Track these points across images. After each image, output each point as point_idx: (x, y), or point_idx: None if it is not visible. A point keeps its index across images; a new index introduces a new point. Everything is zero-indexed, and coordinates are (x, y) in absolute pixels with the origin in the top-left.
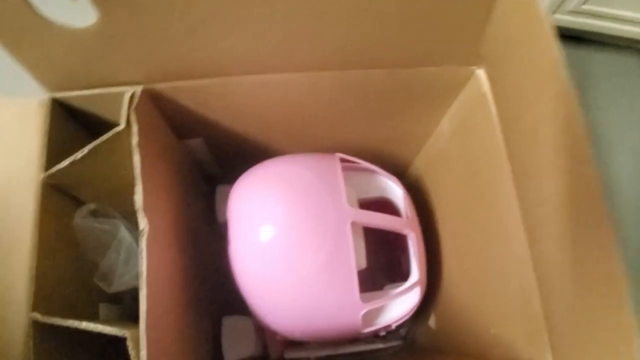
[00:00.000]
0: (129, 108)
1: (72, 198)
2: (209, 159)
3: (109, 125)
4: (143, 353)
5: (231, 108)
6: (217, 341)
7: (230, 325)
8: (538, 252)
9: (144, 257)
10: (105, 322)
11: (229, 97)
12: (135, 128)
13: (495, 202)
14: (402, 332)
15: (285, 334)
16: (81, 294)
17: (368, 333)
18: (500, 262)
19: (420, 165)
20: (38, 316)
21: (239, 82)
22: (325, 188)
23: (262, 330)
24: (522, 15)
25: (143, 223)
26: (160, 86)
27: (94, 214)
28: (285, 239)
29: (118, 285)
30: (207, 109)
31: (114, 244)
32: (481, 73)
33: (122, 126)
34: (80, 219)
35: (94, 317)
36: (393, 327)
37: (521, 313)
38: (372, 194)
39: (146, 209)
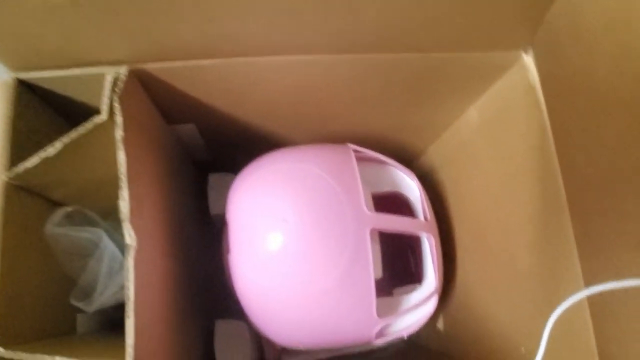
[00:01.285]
0: (111, 94)
1: (42, 198)
2: (201, 147)
3: (88, 111)
4: None
5: (233, 93)
6: (211, 343)
7: (224, 329)
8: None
9: (131, 278)
10: (84, 336)
11: (231, 81)
12: (120, 119)
13: (538, 208)
14: None
15: (288, 347)
16: (56, 307)
17: (379, 344)
18: (542, 274)
19: (435, 157)
20: (1, 350)
21: (244, 64)
22: (342, 189)
23: (257, 335)
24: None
25: (130, 237)
26: (150, 67)
27: (70, 218)
28: (297, 249)
29: (100, 303)
30: (203, 93)
31: (96, 254)
32: (529, 60)
33: (103, 117)
34: (53, 226)
35: (71, 331)
36: (405, 337)
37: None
38: (384, 188)
39: (134, 218)
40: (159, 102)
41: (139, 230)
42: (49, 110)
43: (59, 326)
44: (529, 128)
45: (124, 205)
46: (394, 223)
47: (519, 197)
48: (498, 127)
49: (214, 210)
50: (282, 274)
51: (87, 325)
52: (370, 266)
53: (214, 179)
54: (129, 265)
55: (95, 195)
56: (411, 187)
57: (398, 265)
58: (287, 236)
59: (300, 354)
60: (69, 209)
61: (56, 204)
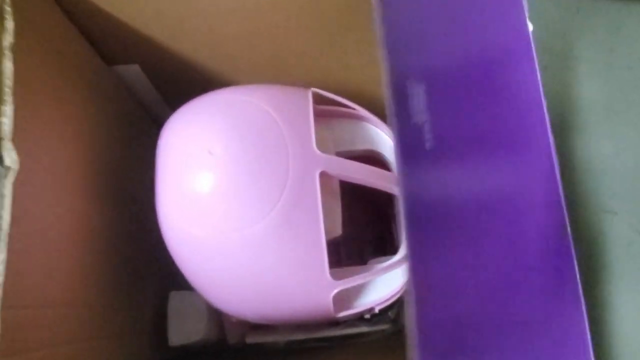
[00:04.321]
0: None
1: None
2: (153, 96)
3: None
4: None
5: (168, 18)
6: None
7: (177, 301)
8: None
9: (7, 206)
10: None
11: (164, 8)
12: (10, 24)
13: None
14: (391, 314)
15: (235, 315)
16: None
17: (344, 317)
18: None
19: None
20: None
21: None
22: (286, 125)
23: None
24: None
25: (10, 158)
26: None
27: None
28: (224, 188)
29: None
30: (134, 18)
31: None
32: None
33: None
34: None
35: None
36: (376, 310)
37: None
38: (358, 146)
39: (21, 139)
40: (91, 34)
41: (27, 153)
42: None
43: None
44: None
45: (5, 122)
46: (352, 169)
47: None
48: None
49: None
50: (208, 218)
51: None
52: (318, 215)
53: (174, 299)
54: (5, 191)
55: None
56: (389, 145)
57: (381, 238)
58: (212, 171)
59: (267, 334)
60: None
61: None
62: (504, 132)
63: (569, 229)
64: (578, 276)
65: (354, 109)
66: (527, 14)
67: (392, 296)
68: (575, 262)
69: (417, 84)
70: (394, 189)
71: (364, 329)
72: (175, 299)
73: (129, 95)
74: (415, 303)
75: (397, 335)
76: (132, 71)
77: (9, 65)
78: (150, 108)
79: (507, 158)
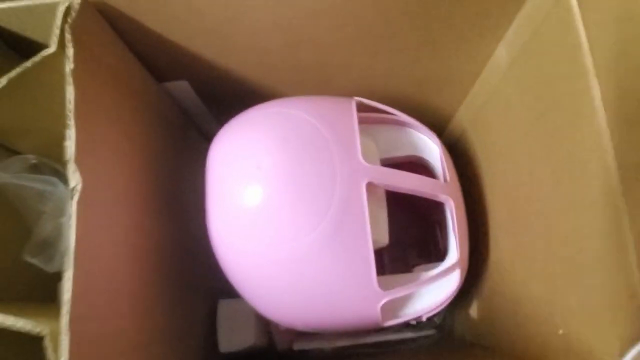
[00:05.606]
0: (63, 24)
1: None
2: (202, 110)
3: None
4: (64, 358)
5: (212, 32)
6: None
7: (227, 309)
8: None
9: (74, 224)
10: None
11: (205, 13)
12: (70, 51)
13: (578, 154)
14: (437, 320)
15: (284, 325)
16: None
17: (391, 326)
18: (583, 242)
19: (465, 117)
20: None
21: None
22: (333, 137)
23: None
24: None
25: (75, 179)
26: None
27: (36, 170)
28: (274, 201)
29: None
30: (180, 34)
31: (50, 205)
32: None
33: (52, 49)
34: (6, 174)
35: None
36: (424, 319)
37: (611, 313)
38: (402, 152)
39: (82, 158)
40: (141, 52)
41: (90, 172)
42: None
43: (35, 291)
44: (563, 53)
45: (70, 144)
46: (399, 178)
47: (558, 145)
48: (531, 63)
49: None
50: (258, 232)
51: None
52: (366, 226)
53: (223, 307)
54: (72, 210)
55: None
56: (432, 150)
57: (425, 242)
58: (260, 186)
59: (314, 340)
60: (31, 158)
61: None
62: None
63: None
64: None
65: (395, 115)
66: None
67: (440, 305)
68: None
69: None
70: (440, 196)
71: (408, 334)
72: (224, 307)
73: (179, 110)
74: None
75: (444, 341)
76: (181, 87)
77: (70, 91)
78: (199, 123)
79: None
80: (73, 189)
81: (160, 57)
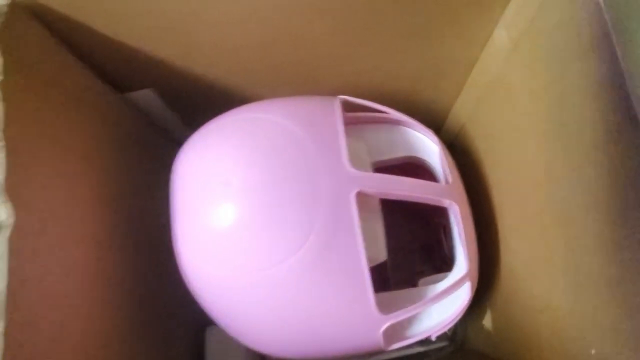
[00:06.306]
0: None
1: None
2: (172, 119)
3: None
4: None
5: (172, 32)
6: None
7: (215, 336)
8: None
9: (2, 267)
10: None
11: (158, 15)
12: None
13: (602, 146)
14: (448, 332)
15: (275, 356)
16: None
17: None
18: (614, 252)
19: (464, 110)
20: None
21: None
22: (313, 143)
23: None
24: None
25: (4, 211)
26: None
27: None
28: (245, 222)
29: None
30: (145, 45)
31: None
32: None
33: None
34: None
35: None
36: (433, 338)
37: None
38: (396, 153)
39: (17, 189)
40: (90, 58)
41: (25, 204)
42: None
43: None
44: (580, 34)
45: None
46: (394, 185)
47: (571, 136)
48: (538, 43)
49: None
50: (228, 256)
51: None
52: (358, 243)
53: (211, 334)
54: (1, 251)
55: None
56: (431, 149)
57: (429, 247)
58: (230, 205)
59: None
60: None
61: None
62: None
63: None
64: None
65: (386, 112)
66: None
67: (450, 322)
68: None
69: None
70: (443, 201)
71: (419, 349)
72: (213, 334)
73: (146, 123)
74: None
75: (457, 353)
76: (146, 96)
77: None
78: (173, 133)
79: None
80: (2, 224)
81: (119, 65)
